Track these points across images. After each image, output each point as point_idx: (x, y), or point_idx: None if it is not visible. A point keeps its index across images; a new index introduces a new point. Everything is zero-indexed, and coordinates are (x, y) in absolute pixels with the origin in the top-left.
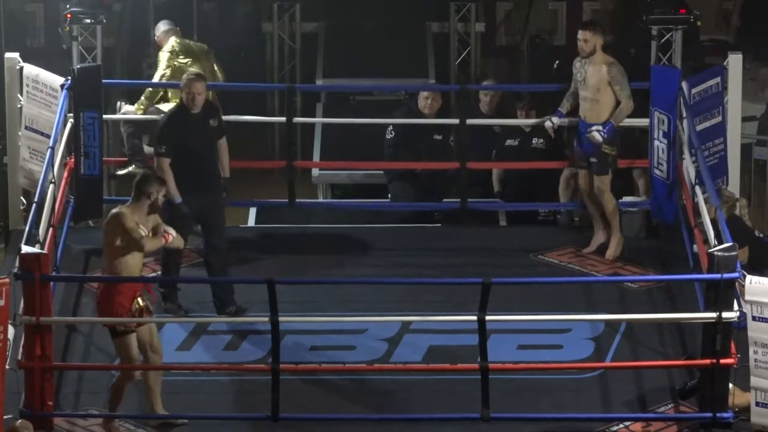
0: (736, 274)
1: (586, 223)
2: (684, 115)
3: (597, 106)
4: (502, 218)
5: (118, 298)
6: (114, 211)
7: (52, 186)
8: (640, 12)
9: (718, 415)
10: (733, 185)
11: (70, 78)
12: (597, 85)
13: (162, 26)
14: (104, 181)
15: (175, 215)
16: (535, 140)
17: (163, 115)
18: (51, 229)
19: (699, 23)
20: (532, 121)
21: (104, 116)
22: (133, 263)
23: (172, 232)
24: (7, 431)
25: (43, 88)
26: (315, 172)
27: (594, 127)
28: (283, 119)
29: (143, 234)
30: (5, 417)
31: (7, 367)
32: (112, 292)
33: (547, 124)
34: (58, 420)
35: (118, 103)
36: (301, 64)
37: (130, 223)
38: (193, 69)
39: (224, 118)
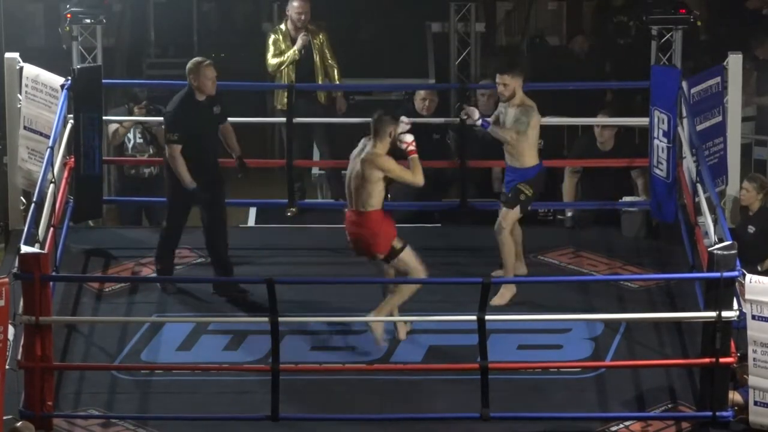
0: (735, 273)
1: (587, 223)
2: (684, 114)
3: (514, 151)
4: None
5: (386, 228)
6: (369, 151)
7: (52, 186)
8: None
9: (717, 414)
10: (734, 185)
11: (70, 78)
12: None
13: None
14: (104, 181)
15: (187, 201)
16: None
17: (171, 102)
18: (51, 229)
19: (699, 23)
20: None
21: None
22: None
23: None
24: None
25: (43, 89)
26: (315, 172)
27: (475, 110)
28: (283, 119)
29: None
30: (5, 417)
31: (7, 367)
32: (383, 223)
33: (470, 111)
34: (57, 420)
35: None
36: None
37: (388, 164)
38: None
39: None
